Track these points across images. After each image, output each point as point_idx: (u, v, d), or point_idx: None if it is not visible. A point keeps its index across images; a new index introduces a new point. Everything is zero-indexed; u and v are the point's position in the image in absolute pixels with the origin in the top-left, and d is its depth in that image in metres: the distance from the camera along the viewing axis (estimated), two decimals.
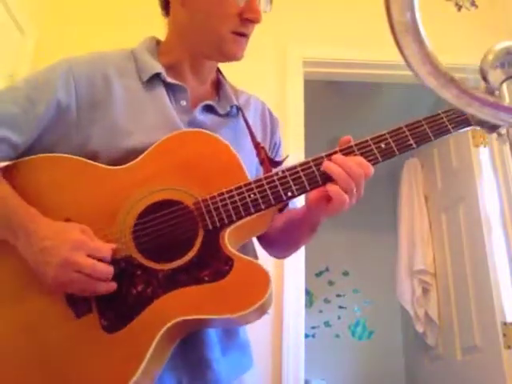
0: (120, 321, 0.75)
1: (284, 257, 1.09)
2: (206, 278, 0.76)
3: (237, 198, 0.80)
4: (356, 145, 0.83)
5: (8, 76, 2.03)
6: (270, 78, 2.30)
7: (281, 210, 0.90)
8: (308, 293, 3.68)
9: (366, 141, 0.83)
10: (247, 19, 0.90)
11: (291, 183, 0.81)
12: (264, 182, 0.81)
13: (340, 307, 3.94)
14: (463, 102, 0.42)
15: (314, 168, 0.81)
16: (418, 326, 2.82)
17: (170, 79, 0.94)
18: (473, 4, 2.05)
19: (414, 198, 3.06)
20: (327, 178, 0.80)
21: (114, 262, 0.77)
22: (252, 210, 0.80)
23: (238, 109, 1.00)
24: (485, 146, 2.33)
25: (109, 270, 0.75)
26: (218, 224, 0.79)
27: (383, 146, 0.82)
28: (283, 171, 0.82)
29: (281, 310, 1.94)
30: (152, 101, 0.92)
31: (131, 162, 0.84)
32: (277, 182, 0.81)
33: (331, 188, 0.79)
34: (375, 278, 3.84)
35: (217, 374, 0.86)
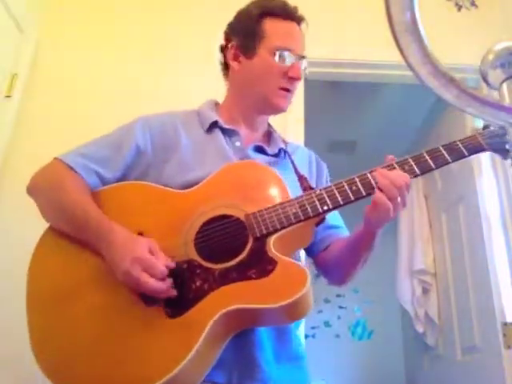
0: (181, 308, 0.88)
1: (344, 282, 1.19)
2: (253, 276, 0.89)
3: (280, 211, 0.95)
4: (396, 162, 0.97)
5: (10, 75, 2.03)
6: None
7: (318, 224, 1.02)
8: None
9: (406, 158, 0.97)
10: (292, 77, 1.12)
11: (326, 199, 0.95)
12: (304, 198, 0.96)
13: (340, 307, 3.94)
14: (463, 101, 0.42)
15: (357, 181, 0.96)
16: (418, 326, 2.82)
17: (225, 125, 1.14)
18: (473, 4, 2.05)
19: (413, 197, 3.05)
20: (369, 190, 0.94)
21: (177, 264, 0.91)
22: (293, 221, 0.94)
23: (285, 152, 1.18)
24: None
25: (158, 286, 0.87)
26: (264, 232, 0.93)
27: (419, 161, 0.97)
28: (320, 189, 0.97)
29: None
30: (211, 143, 1.12)
31: (194, 187, 1.02)
32: (314, 198, 0.96)
33: (377, 195, 0.92)
34: (375, 278, 3.83)
35: (267, 375, 0.94)
